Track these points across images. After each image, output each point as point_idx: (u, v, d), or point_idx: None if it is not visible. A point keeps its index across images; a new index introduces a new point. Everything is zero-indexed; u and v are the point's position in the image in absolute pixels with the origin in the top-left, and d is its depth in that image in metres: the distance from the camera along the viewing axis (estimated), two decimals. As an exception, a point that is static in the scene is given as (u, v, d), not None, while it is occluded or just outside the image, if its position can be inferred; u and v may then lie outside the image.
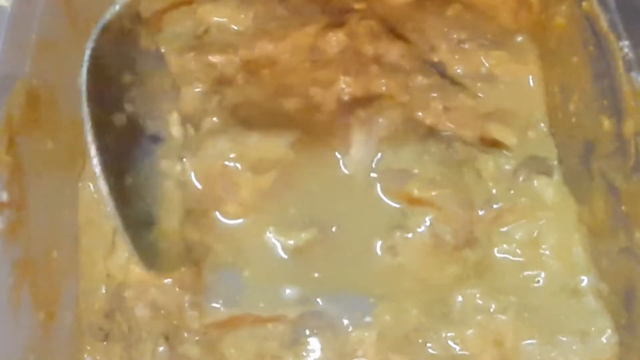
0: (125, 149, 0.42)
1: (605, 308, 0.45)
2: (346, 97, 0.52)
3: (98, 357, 0.46)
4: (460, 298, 0.46)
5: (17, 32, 0.42)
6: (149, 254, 0.41)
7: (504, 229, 0.48)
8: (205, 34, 0.55)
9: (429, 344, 0.44)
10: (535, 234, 0.48)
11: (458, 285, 0.46)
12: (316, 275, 0.46)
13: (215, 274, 0.46)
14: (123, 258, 0.46)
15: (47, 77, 0.44)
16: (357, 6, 0.56)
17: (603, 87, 0.45)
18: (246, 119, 0.51)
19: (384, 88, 0.52)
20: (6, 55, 0.41)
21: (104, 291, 0.48)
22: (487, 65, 0.54)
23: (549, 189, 0.49)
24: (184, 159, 0.47)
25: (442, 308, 0.45)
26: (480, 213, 0.48)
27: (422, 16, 0.56)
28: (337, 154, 0.50)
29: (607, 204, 0.45)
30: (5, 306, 0.39)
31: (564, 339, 0.44)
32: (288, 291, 0.46)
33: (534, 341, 0.44)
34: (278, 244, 0.47)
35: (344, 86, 0.52)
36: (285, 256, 0.47)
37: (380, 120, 0.50)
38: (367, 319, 0.45)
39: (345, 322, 0.45)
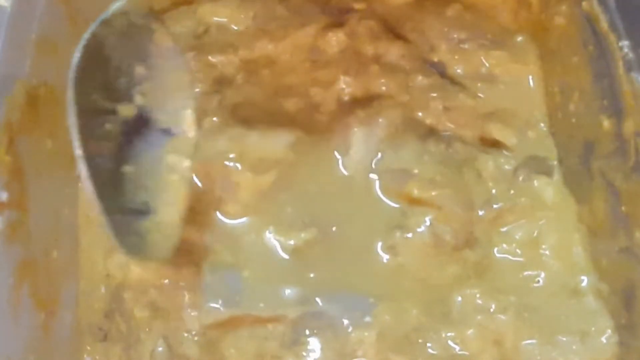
0: (130, 139, 0.42)
1: (605, 308, 0.45)
2: (346, 97, 0.52)
3: (97, 357, 0.46)
4: (460, 298, 0.46)
5: (17, 32, 0.42)
6: (135, 241, 0.41)
7: (504, 229, 0.48)
8: (205, 34, 0.55)
9: (429, 344, 0.44)
10: (535, 234, 0.48)
11: (458, 285, 0.46)
12: (316, 275, 0.46)
13: (215, 274, 0.46)
14: (123, 258, 0.46)
15: (47, 77, 0.44)
16: (357, 6, 0.56)
17: (603, 87, 0.45)
18: (246, 119, 0.51)
19: (384, 88, 0.52)
20: (6, 55, 0.41)
21: (103, 291, 0.48)
22: (487, 65, 0.54)
23: (549, 189, 0.49)
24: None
25: (442, 308, 0.45)
26: (480, 213, 0.48)
27: (422, 16, 0.56)
28: (337, 153, 0.50)
29: (607, 204, 0.45)
30: (5, 306, 0.39)
31: (564, 339, 0.44)
32: (288, 291, 0.46)
33: (534, 341, 0.44)
34: (278, 244, 0.47)
35: (344, 86, 0.52)
36: (285, 256, 0.47)
37: (380, 120, 0.50)
38: (367, 319, 0.45)
39: (345, 322, 0.45)
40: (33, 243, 0.42)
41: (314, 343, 0.44)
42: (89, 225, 0.49)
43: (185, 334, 0.45)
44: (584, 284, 0.46)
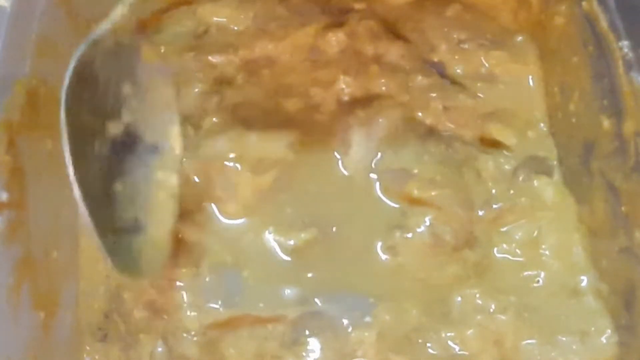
0: (119, 157, 0.43)
1: (605, 308, 0.45)
2: (346, 97, 0.52)
3: (97, 357, 0.46)
4: (460, 298, 0.45)
5: (17, 32, 0.42)
6: (128, 259, 0.42)
7: (504, 229, 0.48)
8: (205, 34, 0.55)
9: (429, 344, 0.44)
10: (535, 234, 0.48)
11: (458, 285, 0.46)
12: (316, 275, 0.46)
13: (215, 274, 0.46)
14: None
15: (47, 77, 0.44)
16: (357, 6, 0.56)
17: (603, 87, 0.45)
18: (246, 119, 0.51)
19: (384, 88, 0.52)
20: (6, 55, 0.41)
21: (103, 291, 0.48)
22: (487, 65, 0.54)
23: (549, 189, 0.49)
24: (184, 159, 0.47)
25: (442, 308, 0.45)
26: (480, 213, 0.48)
27: (422, 16, 0.56)
28: (336, 154, 0.50)
29: (607, 204, 0.45)
30: (5, 306, 0.39)
31: (564, 339, 0.44)
32: (288, 291, 0.46)
33: (534, 341, 0.44)
34: (278, 244, 0.47)
35: (343, 86, 0.52)
36: (284, 256, 0.47)
37: (380, 120, 0.50)
38: (367, 319, 0.45)
39: (345, 322, 0.45)
40: (33, 243, 0.42)
41: (314, 343, 0.44)
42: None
43: (185, 334, 0.45)
44: (584, 284, 0.46)
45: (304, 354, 0.44)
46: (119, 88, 0.42)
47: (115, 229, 0.41)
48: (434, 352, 0.44)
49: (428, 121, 0.51)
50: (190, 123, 0.51)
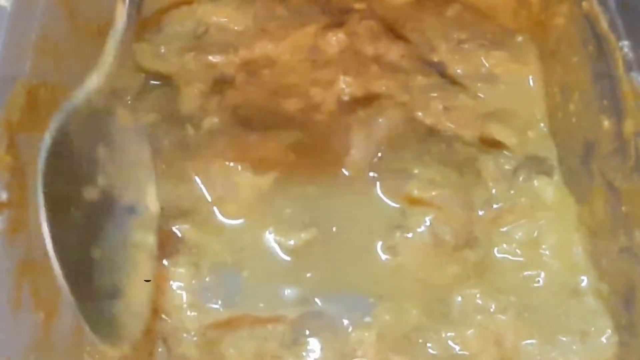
0: (95, 222, 0.42)
1: (605, 308, 0.45)
2: (346, 97, 0.52)
3: (97, 357, 0.46)
4: (460, 298, 0.45)
5: (17, 32, 0.42)
6: (109, 327, 0.41)
7: (504, 229, 0.48)
8: (205, 34, 0.55)
9: (429, 344, 0.44)
10: (535, 234, 0.48)
11: (458, 285, 0.46)
12: (316, 275, 0.46)
13: (215, 274, 0.46)
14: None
15: (47, 77, 0.44)
16: (357, 6, 0.56)
17: (603, 87, 0.45)
18: (246, 119, 0.51)
19: (384, 88, 0.52)
20: (6, 55, 0.41)
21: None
22: (487, 65, 0.54)
23: (549, 189, 0.49)
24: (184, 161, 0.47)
25: (442, 308, 0.45)
26: (480, 213, 0.48)
27: (422, 16, 0.56)
28: (337, 154, 0.50)
29: (607, 204, 0.45)
30: (5, 306, 0.39)
31: (564, 339, 0.44)
32: (288, 291, 0.46)
33: (534, 341, 0.44)
34: (278, 244, 0.47)
35: (344, 86, 0.52)
36: (285, 256, 0.47)
37: (380, 120, 0.50)
38: (367, 319, 0.45)
39: (345, 322, 0.45)
40: (33, 243, 0.42)
41: (314, 343, 0.44)
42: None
43: (185, 335, 0.45)
44: (584, 284, 0.46)
45: (304, 354, 0.44)
46: (94, 152, 0.42)
47: (94, 296, 0.41)
48: (434, 352, 0.44)
49: (428, 121, 0.51)
50: (190, 123, 0.51)
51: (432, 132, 0.51)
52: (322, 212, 0.48)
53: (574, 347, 0.44)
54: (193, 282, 0.46)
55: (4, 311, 0.39)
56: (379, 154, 0.50)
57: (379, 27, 0.55)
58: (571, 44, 0.49)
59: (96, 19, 0.50)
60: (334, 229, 0.48)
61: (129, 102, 0.53)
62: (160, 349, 0.44)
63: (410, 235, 0.47)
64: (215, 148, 0.49)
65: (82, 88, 0.41)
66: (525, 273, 0.47)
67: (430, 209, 0.47)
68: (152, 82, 0.54)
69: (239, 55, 0.54)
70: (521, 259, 0.47)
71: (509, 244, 0.47)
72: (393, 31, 0.55)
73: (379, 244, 0.47)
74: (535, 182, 0.49)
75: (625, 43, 0.42)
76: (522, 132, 0.51)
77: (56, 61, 0.45)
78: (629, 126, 0.42)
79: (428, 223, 0.47)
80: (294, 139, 0.50)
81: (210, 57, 0.54)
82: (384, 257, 0.47)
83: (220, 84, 0.53)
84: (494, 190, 0.49)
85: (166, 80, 0.54)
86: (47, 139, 0.39)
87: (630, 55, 0.42)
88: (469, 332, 0.44)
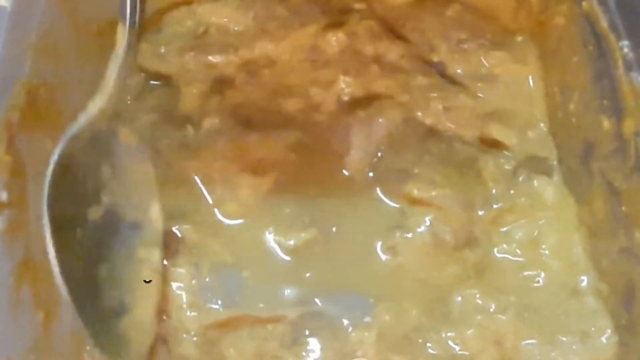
0: (100, 240, 0.42)
1: (605, 308, 0.45)
2: (346, 98, 0.52)
3: (97, 357, 0.46)
4: (460, 298, 0.45)
5: (17, 32, 0.42)
6: (116, 344, 0.41)
7: (504, 229, 0.48)
8: (205, 34, 0.55)
9: (429, 344, 0.44)
10: (535, 234, 0.48)
11: (458, 285, 0.46)
12: (316, 275, 0.46)
13: (215, 274, 0.46)
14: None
15: (47, 77, 0.44)
16: (357, 6, 0.56)
17: (603, 87, 0.45)
18: (246, 119, 0.51)
19: (384, 88, 0.52)
20: (6, 55, 0.41)
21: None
22: (487, 65, 0.54)
23: (549, 189, 0.49)
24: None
25: (442, 308, 0.45)
26: (480, 213, 0.48)
27: (422, 16, 0.56)
28: (337, 154, 0.50)
29: (607, 204, 0.45)
30: (5, 306, 0.39)
31: (564, 339, 0.44)
32: (288, 291, 0.46)
33: (534, 341, 0.44)
34: (277, 244, 0.47)
35: (344, 86, 0.52)
36: (285, 256, 0.47)
37: (380, 120, 0.50)
38: (367, 319, 0.45)
39: (345, 322, 0.45)
40: (33, 243, 0.42)
41: (314, 343, 0.44)
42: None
43: (185, 335, 0.45)
44: (584, 284, 0.46)
45: (304, 354, 0.44)
46: (98, 173, 0.43)
47: (101, 313, 0.41)
48: (434, 352, 0.44)
49: (428, 121, 0.51)
50: (190, 123, 0.51)
51: (432, 132, 0.51)
52: (322, 212, 0.48)
53: (574, 347, 0.44)
54: (193, 282, 0.46)
55: (4, 311, 0.39)
56: (379, 154, 0.50)
57: (379, 27, 0.55)
58: (571, 44, 0.49)
59: (96, 19, 0.50)
60: (334, 229, 0.48)
61: (129, 102, 0.53)
62: (160, 349, 0.44)
63: (410, 235, 0.47)
64: (215, 148, 0.49)
65: (85, 113, 0.41)
66: (525, 273, 0.47)
67: (430, 209, 0.47)
68: (152, 82, 0.54)
69: (239, 55, 0.54)
70: (521, 259, 0.47)
71: (509, 244, 0.47)
72: (393, 31, 0.55)
73: (379, 244, 0.47)
74: (535, 182, 0.49)
75: (625, 43, 0.42)
76: (522, 132, 0.51)
77: (56, 61, 0.46)
78: (629, 126, 0.42)
79: (428, 223, 0.47)
80: (294, 139, 0.50)
81: (210, 57, 0.54)
82: (384, 257, 0.47)
83: (220, 84, 0.53)
84: (494, 190, 0.49)
85: (166, 80, 0.54)
86: (51, 165, 0.39)
87: (630, 55, 0.42)
88: (469, 332, 0.44)
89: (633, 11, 0.43)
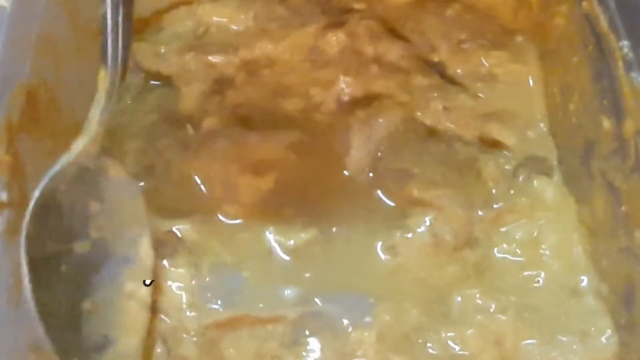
0: (87, 273, 0.42)
1: (605, 308, 0.45)
2: (346, 97, 0.52)
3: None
4: (460, 298, 0.45)
5: (17, 32, 0.42)
6: None
7: (504, 229, 0.48)
8: (205, 34, 0.56)
9: (429, 344, 0.44)
10: (535, 234, 0.48)
11: (458, 285, 0.46)
12: (316, 275, 0.46)
13: (215, 274, 0.46)
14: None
15: (47, 77, 0.44)
16: (357, 6, 0.56)
17: (603, 87, 0.45)
18: (246, 119, 0.51)
19: (384, 88, 0.52)
20: (6, 55, 0.41)
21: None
22: (487, 65, 0.54)
23: (549, 189, 0.49)
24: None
25: (442, 308, 0.45)
26: (480, 213, 0.48)
27: (422, 16, 0.56)
28: (337, 154, 0.50)
29: (607, 204, 0.45)
30: (5, 306, 0.39)
31: (564, 339, 0.44)
32: (287, 291, 0.46)
33: (534, 341, 0.44)
34: (278, 244, 0.47)
35: (343, 86, 0.52)
36: (284, 257, 0.47)
37: (380, 120, 0.50)
38: (367, 319, 0.45)
39: (345, 322, 0.45)
40: (33, 243, 0.42)
41: (314, 343, 0.44)
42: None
43: (185, 335, 0.45)
44: (584, 284, 0.46)
45: (304, 354, 0.44)
46: (85, 208, 0.42)
47: (83, 346, 0.41)
48: (434, 352, 0.44)
49: (428, 121, 0.51)
50: (190, 123, 0.51)
51: (432, 132, 0.51)
52: (322, 212, 0.48)
53: (574, 347, 0.44)
54: (193, 282, 0.46)
55: (4, 311, 0.39)
56: (379, 154, 0.50)
57: (379, 27, 0.55)
58: (571, 44, 0.49)
59: (96, 19, 0.50)
60: (334, 229, 0.48)
61: (129, 102, 0.53)
62: (159, 350, 0.44)
63: (410, 235, 0.47)
64: (215, 148, 0.49)
65: (68, 153, 0.41)
66: (525, 273, 0.47)
67: (430, 209, 0.47)
68: (152, 82, 0.54)
69: (239, 55, 0.54)
70: (521, 259, 0.47)
71: (509, 244, 0.47)
72: (393, 31, 0.55)
73: (379, 244, 0.47)
74: (535, 182, 0.49)
75: (625, 43, 0.42)
76: (522, 132, 0.51)
77: (56, 61, 0.46)
78: (629, 126, 0.42)
79: (428, 223, 0.47)
80: (294, 139, 0.50)
81: (210, 57, 0.54)
82: (383, 257, 0.47)
83: (220, 84, 0.53)
84: (494, 190, 0.49)
85: (166, 80, 0.54)
86: (32, 201, 0.39)
87: (630, 55, 0.42)
88: (469, 332, 0.44)
89: (633, 11, 0.43)
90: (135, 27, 0.55)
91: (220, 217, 0.48)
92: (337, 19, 0.55)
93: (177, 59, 0.54)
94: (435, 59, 0.54)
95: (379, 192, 0.49)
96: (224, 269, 0.46)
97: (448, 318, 0.45)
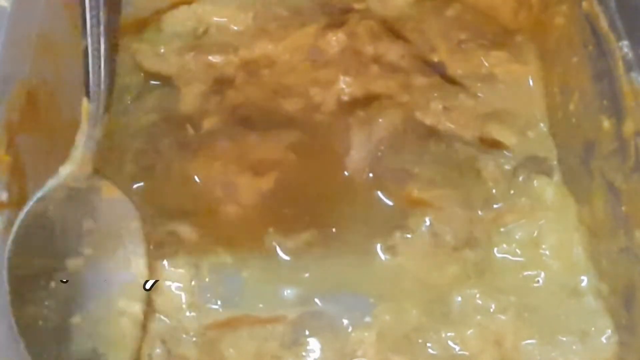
0: (78, 290, 0.42)
1: (605, 308, 0.45)
2: (346, 98, 0.52)
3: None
4: (460, 298, 0.45)
5: (17, 32, 0.42)
6: None
7: (504, 229, 0.48)
8: (205, 34, 0.56)
9: (429, 344, 0.44)
10: (535, 234, 0.48)
11: (458, 285, 0.46)
12: (316, 275, 0.46)
13: (215, 274, 0.46)
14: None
15: (47, 77, 0.44)
16: (357, 6, 0.56)
17: (603, 87, 0.45)
18: (246, 119, 0.51)
19: (384, 88, 0.52)
20: (6, 55, 0.41)
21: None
22: (487, 65, 0.54)
23: (549, 189, 0.49)
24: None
25: (442, 308, 0.45)
26: (480, 213, 0.48)
27: (422, 16, 0.56)
28: (337, 154, 0.50)
29: (607, 204, 0.45)
30: (5, 306, 0.39)
31: (564, 339, 0.44)
32: (287, 292, 0.46)
33: (534, 341, 0.44)
34: (278, 244, 0.47)
35: (343, 86, 0.52)
36: (284, 257, 0.47)
37: (380, 120, 0.50)
38: (367, 319, 0.45)
39: (345, 322, 0.45)
40: (33, 243, 0.42)
41: (314, 343, 0.44)
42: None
43: (184, 335, 0.45)
44: (584, 284, 0.46)
45: (304, 354, 0.44)
46: (78, 227, 0.43)
47: None
48: (434, 352, 0.44)
49: (428, 121, 0.51)
50: (190, 123, 0.51)
51: (432, 132, 0.51)
52: (322, 213, 0.48)
53: (574, 347, 0.44)
54: (193, 282, 0.46)
55: (4, 311, 0.39)
56: (379, 154, 0.50)
57: (379, 27, 0.55)
58: (571, 44, 0.49)
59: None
60: (334, 229, 0.48)
61: (129, 102, 0.53)
62: (159, 350, 0.44)
63: (410, 235, 0.47)
64: (215, 148, 0.49)
65: (55, 177, 0.41)
66: (525, 273, 0.47)
67: (430, 209, 0.47)
68: (152, 82, 0.54)
69: (239, 55, 0.54)
70: (521, 259, 0.47)
71: (509, 244, 0.47)
72: (393, 31, 0.55)
73: (379, 244, 0.47)
74: (535, 182, 0.49)
75: (625, 43, 0.42)
76: (522, 132, 0.51)
77: (56, 61, 0.46)
78: (629, 126, 0.42)
79: (428, 223, 0.47)
80: (294, 139, 0.50)
81: (210, 57, 0.54)
82: (383, 257, 0.47)
83: (220, 84, 0.53)
84: (494, 190, 0.49)
85: (166, 80, 0.54)
86: (17, 223, 0.39)
87: (630, 55, 0.42)
88: (469, 332, 0.44)
89: (633, 11, 0.43)
90: (135, 27, 0.55)
91: (220, 217, 0.48)
92: (337, 19, 0.55)
93: (177, 59, 0.54)
94: (435, 59, 0.54)
95: (378, 192, 0.49)
96: (223, 269, 0.46)
97: (448, 318, 0.45)
